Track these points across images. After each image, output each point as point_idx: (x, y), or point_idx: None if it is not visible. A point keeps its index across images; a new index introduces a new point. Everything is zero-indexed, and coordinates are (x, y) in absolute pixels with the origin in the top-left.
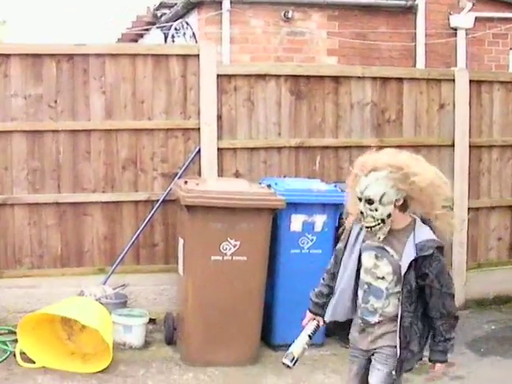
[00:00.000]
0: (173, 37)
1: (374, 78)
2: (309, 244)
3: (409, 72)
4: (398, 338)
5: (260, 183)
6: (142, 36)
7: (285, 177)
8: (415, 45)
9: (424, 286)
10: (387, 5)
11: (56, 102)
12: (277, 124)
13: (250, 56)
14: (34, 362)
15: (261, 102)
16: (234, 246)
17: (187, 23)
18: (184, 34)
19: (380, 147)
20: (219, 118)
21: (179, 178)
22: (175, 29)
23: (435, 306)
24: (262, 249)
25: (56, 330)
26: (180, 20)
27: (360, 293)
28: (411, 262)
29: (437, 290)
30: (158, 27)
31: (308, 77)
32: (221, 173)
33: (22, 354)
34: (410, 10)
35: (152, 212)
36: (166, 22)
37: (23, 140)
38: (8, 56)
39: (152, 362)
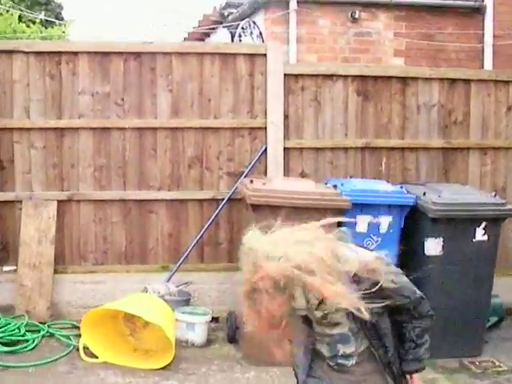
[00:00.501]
0: (240, 36)
1: (442, 80)
2: (374, 245)
3: (476, 73)
4: (387, 378)
5: (326, 183)
6: (208, 35)
7: (351, 177)
8: (483, 46)
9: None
10: (455, 5)
11: (123, 99)
12: (343, 124)
13: (316, 56)
14: (97, 357)
15: (328, 102)
16: None
17: (254, 23)
18: (251, 33)
19: (447, 149)
20: (286, 117)
21: (245, 176)
22: (242, 28)
23: (405, 314)
24: None
25: (119, 325)
26: (247, 19)
27: (324, 348)
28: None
29: (405, 303)
30: (224, 26)
31: (375, 77)
32: (287, 172)
33: (85, 348)
34: (478, 11)
35: (217, 210)
36: (233, 22)
37: (90, 137)
38: (76, 54)
39: (214, 359)
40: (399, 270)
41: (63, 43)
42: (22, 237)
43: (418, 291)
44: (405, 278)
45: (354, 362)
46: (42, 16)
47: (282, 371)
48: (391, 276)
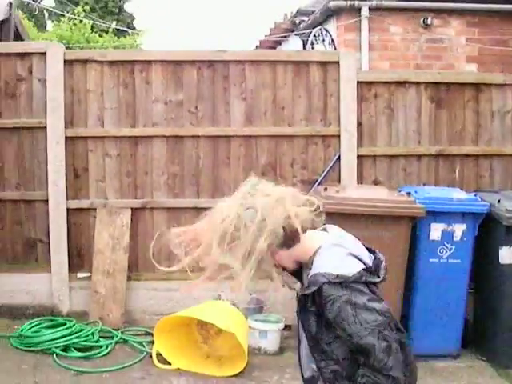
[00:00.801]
0: (312, 44)
1: None
2: (447, 253)
3: None
4: None
5: (399, 191)
6: (279, 43)
7: (424, 185)
8: None
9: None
10: None
11: (196, 107)
12: (416, 132)
13: (388, 63)
14: (170, 364)
15: (401, 109)
16: None
17: (326, 30)
18: (323, 40)
19: None
20: (359, 125)
21: (319, 184)
22: (314, 36)
23: (357, 353)
24: (401, 257)
25: (192, 333)
26: (319, 27)
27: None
28: (303, 304)
29: (346, 340)
30: (296, 34)
31: (448, 84)
32: (360, 180)
33: (158, 355)
34: None
35: None
36: (305, 29)
37: (163, 145)
38: (149, 63)
39: (286, 367)
40: (366, 305)
41: (136, 52)
42: (96, 244)
43: (372, 340)
44: (364, 316)
45: (309, 374)
46: (113, 25)
47: None
48: (332, 305)
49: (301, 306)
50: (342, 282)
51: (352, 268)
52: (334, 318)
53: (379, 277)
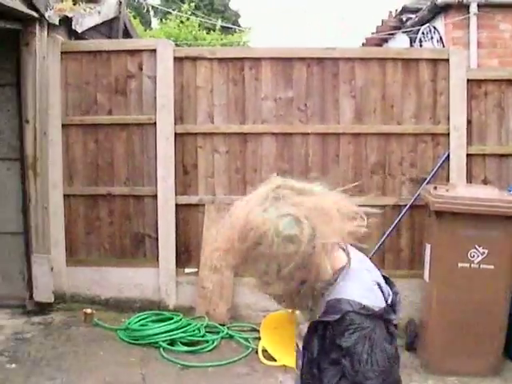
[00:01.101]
0: (420, 41)
1: None
2: None
3: None
4: None
5: (509, 191)
6: (386, 40)
7: None
8: None
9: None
10: None
11: (306, 105)
12: None
13: (497, 61)
14: (275, 361)
15: (511, 107)
16: (482, 254)
17: (434, 27)
18: (431, 38)
19: None
20: (469, 123)
21: (428, 183)
22: (422, 33)
23: None
24: (509, 257)
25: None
26: (427, 24)
27: None
28: (314, 325)
29: (348, 373)
30: (403, 32)
31: None
32: (469, 179)
33: (264, 351)
34: None
35: (399, 217)
36: (412, 27)
37: (273, 142)
38: (259, 60)
39: None
40: (382, 344)
41: (246, 49)
42: (204, 240)
43: (376, 380)
44: (377, 357)
45: None
46: (219, 23)
47: (460, 381)
48: (351, 334)
49: (310, 327)
50: (369, 315)
51: (379, 301)
52: (347, 347)
53: (395, 313)
